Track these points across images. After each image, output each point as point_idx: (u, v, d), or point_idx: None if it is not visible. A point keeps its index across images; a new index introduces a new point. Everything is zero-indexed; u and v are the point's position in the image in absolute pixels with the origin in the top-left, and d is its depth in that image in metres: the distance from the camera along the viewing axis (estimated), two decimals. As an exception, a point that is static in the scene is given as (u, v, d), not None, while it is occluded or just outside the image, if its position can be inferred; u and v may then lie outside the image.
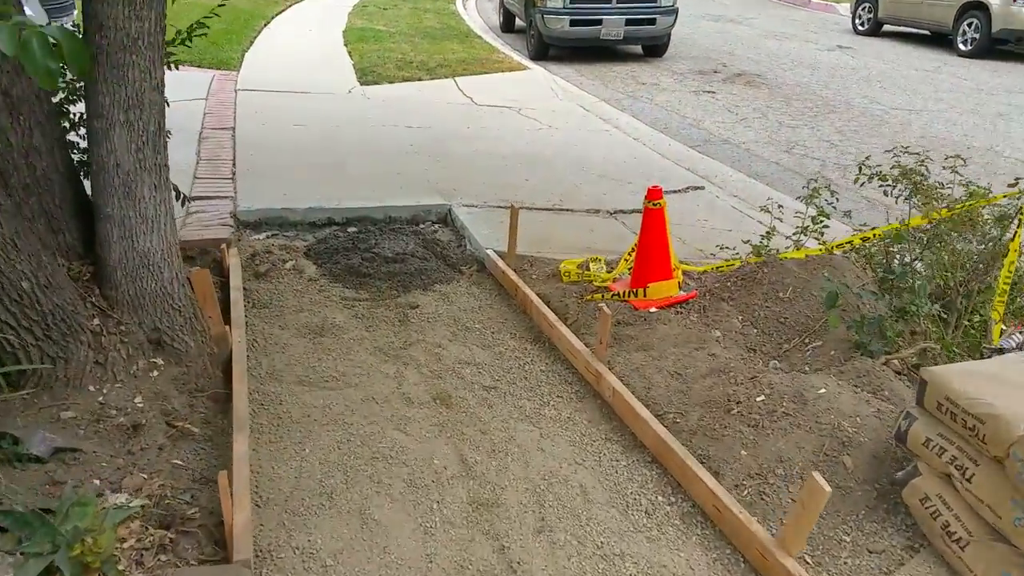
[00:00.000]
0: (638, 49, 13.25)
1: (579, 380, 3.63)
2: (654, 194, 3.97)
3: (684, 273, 4.35)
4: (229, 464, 2.66)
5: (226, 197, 5.29)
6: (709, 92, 10.65)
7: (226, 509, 2.30)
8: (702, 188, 6.69)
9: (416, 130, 7.50)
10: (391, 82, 9.70)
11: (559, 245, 5.02)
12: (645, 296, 4.04)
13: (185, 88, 8.26)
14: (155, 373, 2.95)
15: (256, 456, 2.94)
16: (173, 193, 3.17)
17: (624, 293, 4.09)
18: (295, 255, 4.71)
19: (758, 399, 3.17)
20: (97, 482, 2.45)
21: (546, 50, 12.34)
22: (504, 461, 3.07)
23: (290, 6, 16.47)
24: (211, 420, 3.00)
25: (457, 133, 7.52)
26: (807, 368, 3.54)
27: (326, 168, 6.09)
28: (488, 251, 4.76)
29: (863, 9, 16.01)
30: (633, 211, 5.87)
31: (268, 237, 4.99)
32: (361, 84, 9.46)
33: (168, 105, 3.75)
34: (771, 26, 16.90)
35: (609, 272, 4.45)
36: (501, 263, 4.56)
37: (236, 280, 4.00)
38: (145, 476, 2.52)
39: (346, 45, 11.98)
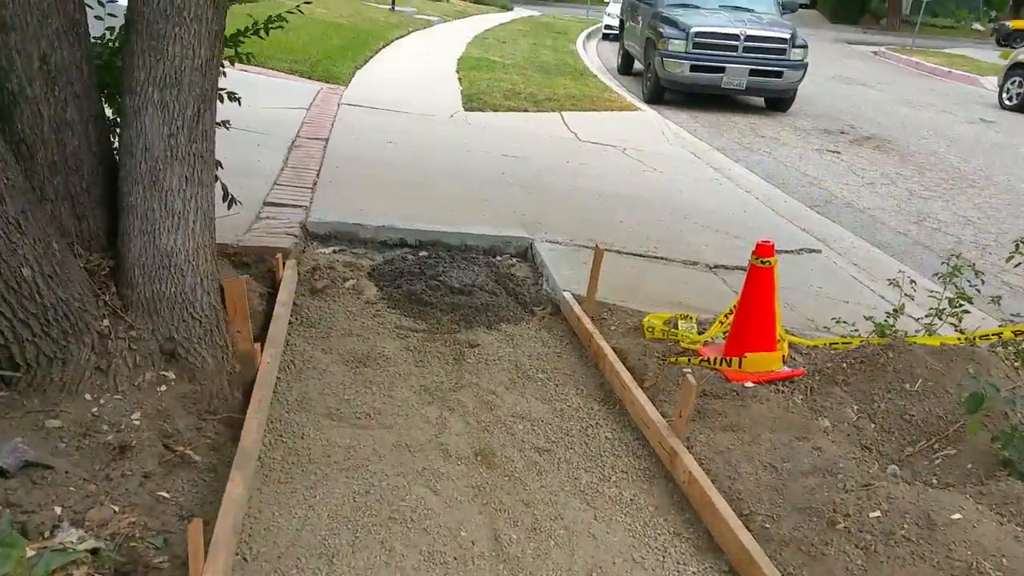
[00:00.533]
0: (760, 102, 12.58)
1: (650, 455, 3.07)
2: (764, 251, 3.39)
3: (790, 346, 3.73)
4: (219, 507, 2.25)
5: (301, 207, 5.03)
6: (834, 152, 9.89)
7: (193, 571, 1.88)
8: (818, 252, 6.00)
9: (512, 159, 7.14)
10: (496, 110, 9.44)
11: (647, 296, 4.48)
12: (740, 367, 3.44)
13: (290, 97, 8.23)
14: (163, 388, 2.59)
15: (259, 497, 2.52)
16: (212, 190, 2.84)
17: (715, 360, 3.51)
18: (358, 274, 4.36)
19: (872, 514, 2.53)
20: (58, 510, 2.07)
21: (662, 94, 11.85)
22: (545, 544, 2.54)
23: (412, 32, 16.69)
24: (219, 447, 2.62)
25: (555, 167, 7.11)
26: (935, 481, 2.85)
27: (410, 187, 5.77)
28: (565, 293, 4.28)
29: (1012, 84, 14.78)
30: (736, 268, 5.26)
31: (334, 252, 4.67)
32: (465, 109, 9.23)
33: (225, 99, 3.51)
34: (906, 94, 15.87)
35: (700, 334, 3.87)
36: (577, 308, 4.07)
37: (285, 294, 3.66)
38: (116, 509, 2.14)
39: (457, 72, 11.88)
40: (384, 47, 13.54)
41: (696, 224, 6.04)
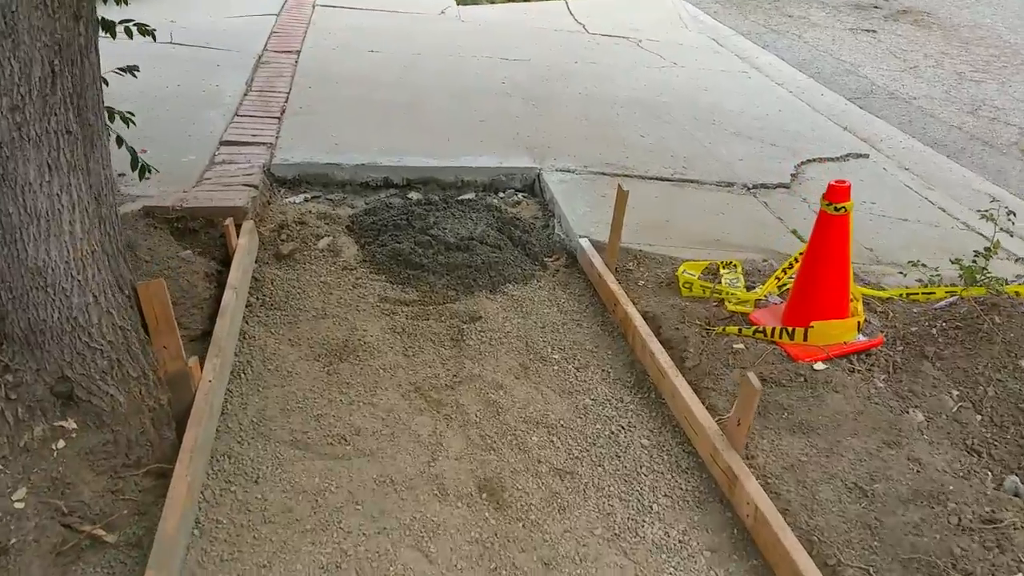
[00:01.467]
0: (785, -27, 11.28)
1: (699, 469, 2.45)
2: (838, 194, 2.65)
3: (863, 301, 3.02)
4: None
5: (265, 143, 4.25)
6: (869, 31, 8.80)
7: None
8: (866, 156, 5.19)
9: (512, 64, 6.22)
10: (492, 2, 8.38)
11: (679, 234, 3.77)
12: (806, 339, 2.76)
13: (258, 1, 7.23)
14: (59, 444, 1.97)
15: (197, 581, 1.93)
16: (99, 171, 2.10)
17: (774, 331, 2.83)
18: (333, 229, 3.65)
19: (1002, 556, 1.91)
20: None
21: (676, -30, 10.59)
22: (575, 622, 1.96)
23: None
24: (146, 511, 2.01)
25: (561, 69, 6.20)
26: (1070, 496, 2.22)
27: (395, 109, 4.95)
28: (582, 240, 3.56)
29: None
30: (778, 187, 4.50)
31: (306, 200, 3.94)
32: (458, 3, 8.18)
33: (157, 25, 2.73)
34: (946, -50, 14.32)
35: (749, 289, 3.18)
36: (598, 262, 3.36)
37: (238, 273, 2.97)
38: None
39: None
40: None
41: (726, 132, 5.21)
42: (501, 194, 4.17)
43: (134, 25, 2.76)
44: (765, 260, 3.53)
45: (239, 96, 4.93)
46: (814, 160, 4.97)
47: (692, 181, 4.43)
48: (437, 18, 7.50)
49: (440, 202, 3.92)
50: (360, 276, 3.33)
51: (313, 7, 7.33)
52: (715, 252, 3.59)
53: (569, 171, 4.29)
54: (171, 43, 5.69)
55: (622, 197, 3.21)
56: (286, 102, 4.92)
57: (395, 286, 3.28)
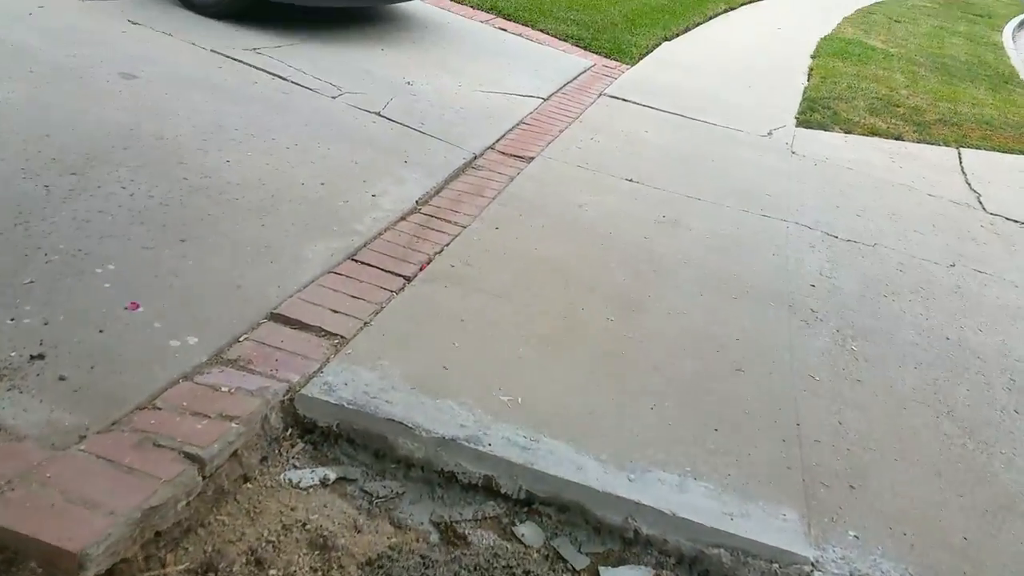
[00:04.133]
0: None
1: None
2: None
3: None
4: None
5: (331, 336, 2.48)
6: None
7: None
8: None
9: (840, 246, 3.87)
10: (848, 131, 5.99)
11: None
12: None
13: (535, 75, 5.66)
14: None
15: None
16: None
17: None
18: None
19: None
20: None
21: None
22: None
23: (773, -5, 13.03)
24: None
25: (921, 274, 3.72)
26: None
27: (591, 312, 2.93)
28: None
29: None
30: None
31: (323, 486, 2.07)
32: (798, 124, 5.92)
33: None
34: None
35: None
36: None
37: None
38: None
39: (812, 58, 8.35)
40: (724, 12, 10.29)
41: None
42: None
43: None
44: None
45: (387, 221, 3.26)
46: None
47: None
48: (757, 142, 5.30)
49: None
50: None
51: (598, 96, 5.57)
52: None
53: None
54: (379, 114, 4.25)
55: None
56: (441, 251, 3.13)
57: None
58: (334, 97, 4.33)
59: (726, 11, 10.43)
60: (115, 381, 2.09)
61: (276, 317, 2.51)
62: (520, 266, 3.11)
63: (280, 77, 4.38)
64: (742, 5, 11.32)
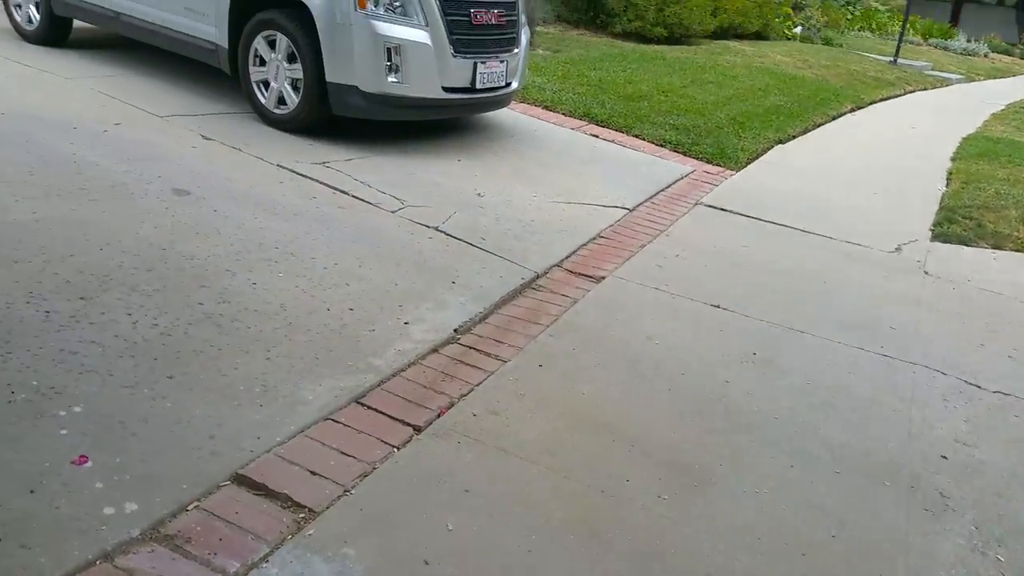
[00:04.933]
0: None
1: None
2: None
3: None
4: None
5: (306, 509, 2.04)
6: None
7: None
8: None
9: (984, 405, 3.07)
10: (997, 246, 5.13)
11: None
12: None
13: (624, 182, 5.24)
14: None
15: None
16: None
17: None
18: None
19: None
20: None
21: None
22: None
23: (907, 93, 12.21)
24: None
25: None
26: None
27: (643, 494, 2.34)
28: None
29: None
30: None
31: None
32: (933, 237, 5.14)
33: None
34: None
35: None
36: None
37: None
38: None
39: (953, 160, 7.49)
40: (850, 112, 9.59)
41: None
42: None
43: None
44: None
45: (414, 355, 2.84)
46: None
47: None
48: (881, 260, 4.57)
49: None
50: None
51: (693, 206, 5.06)
52: None
53: None
54: (437, 229, 3.93)
55: None
56: (468, 393, 2.66)
57: None
58: (393, 211, 4.06)
59: (852, 110, 9.73)
60: (16, 562, 1.72)
61: (240, 479, 2.10)
62: (558, 417, 2.58)
63: (341, 191, 4.17)
64: (872, 103, 10.57)
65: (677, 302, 3.58)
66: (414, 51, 4.90)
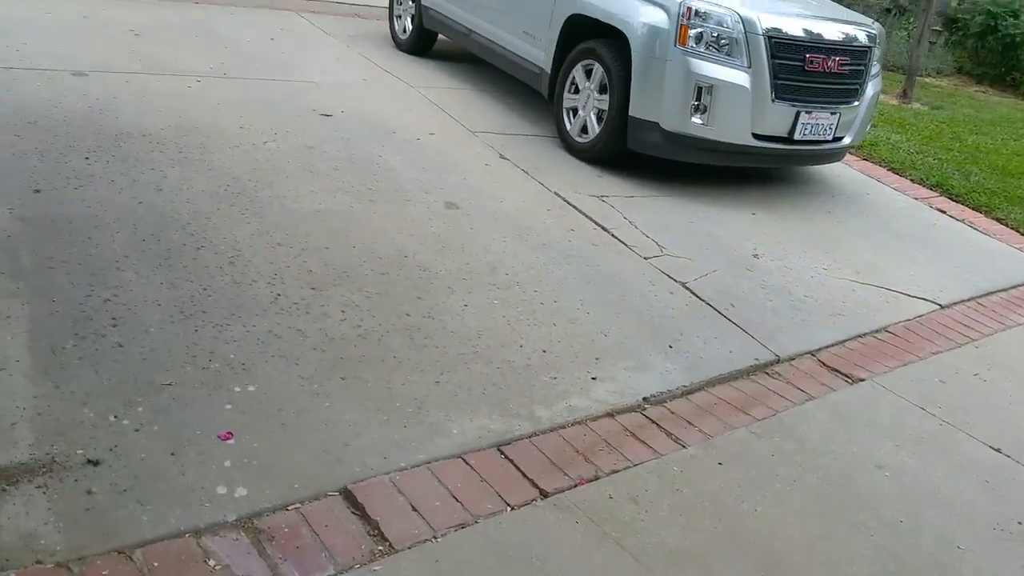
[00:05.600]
0: None
1: None
2: None
3: None
4: None
5: (387, 543, 2.00)
6: None
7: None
8: None
9: None
10: None
11: None
12: None
13: (956, 272, 4.37)
14: None
15: None
16: None
17: None
18: None
19: None
20: None
21: None
22: None
23: None
24: None
25: None
26: None
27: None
28: None
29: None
30: None
31: None
32: None
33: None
34: None
35: None
36: None
37: None
38: None
39: None
40: None
41: None
42: None
43: None
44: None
45: (584, 414, 2.65)
46: None
47: None
48: None
49: None
50: None
51: (1040, 315, 3.99)
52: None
53: None
54: (684, 285, 3.65)
55: None
56: (620, 471, 2.38)
57: None
58: (647, 257, 3.85)
59: None
60: (127, 513, 1.94)
61: (346, 493, 2.14)
62: (708, 531, 2.19)
63: (602, 227, 4.07)
64: None
65: (942, 432, 2.84)
66: (727, 93, 4.60)
